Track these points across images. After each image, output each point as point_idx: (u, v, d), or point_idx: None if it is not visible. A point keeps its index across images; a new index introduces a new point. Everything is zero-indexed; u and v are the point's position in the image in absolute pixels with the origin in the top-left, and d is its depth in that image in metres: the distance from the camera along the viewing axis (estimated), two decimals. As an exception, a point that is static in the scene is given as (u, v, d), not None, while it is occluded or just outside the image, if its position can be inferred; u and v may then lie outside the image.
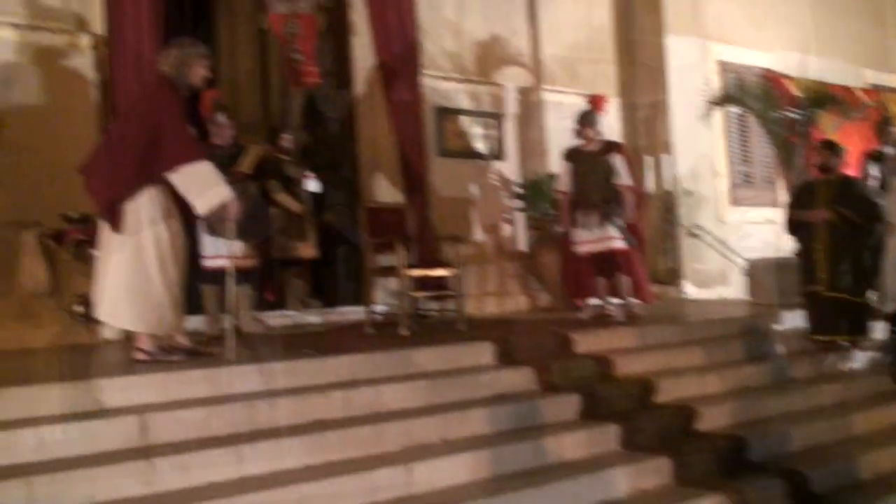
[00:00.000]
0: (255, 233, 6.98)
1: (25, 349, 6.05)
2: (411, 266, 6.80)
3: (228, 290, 5.37)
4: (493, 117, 9.08)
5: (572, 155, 7.61)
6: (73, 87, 6.62)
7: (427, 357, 5.31)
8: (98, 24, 6.83)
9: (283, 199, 7.42)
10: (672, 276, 9.93)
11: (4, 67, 6.35)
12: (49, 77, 6.51)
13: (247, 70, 9.84)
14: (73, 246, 5.98)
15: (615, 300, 7.42)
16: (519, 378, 5.33)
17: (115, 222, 4.84)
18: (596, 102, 7.91)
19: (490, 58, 9.21)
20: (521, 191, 8.99)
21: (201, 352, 5.21)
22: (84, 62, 6.70)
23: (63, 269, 6.17)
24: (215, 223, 6.30)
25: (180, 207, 5.06)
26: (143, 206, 4.88)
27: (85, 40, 6.74)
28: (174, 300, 4.99)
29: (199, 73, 5.17)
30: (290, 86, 7.95)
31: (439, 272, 7.09)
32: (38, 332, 6.17)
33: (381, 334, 6.46)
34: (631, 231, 7.44)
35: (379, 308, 7.46)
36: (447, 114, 8.70)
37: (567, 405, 5.16)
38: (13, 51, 6.41)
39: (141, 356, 4.96)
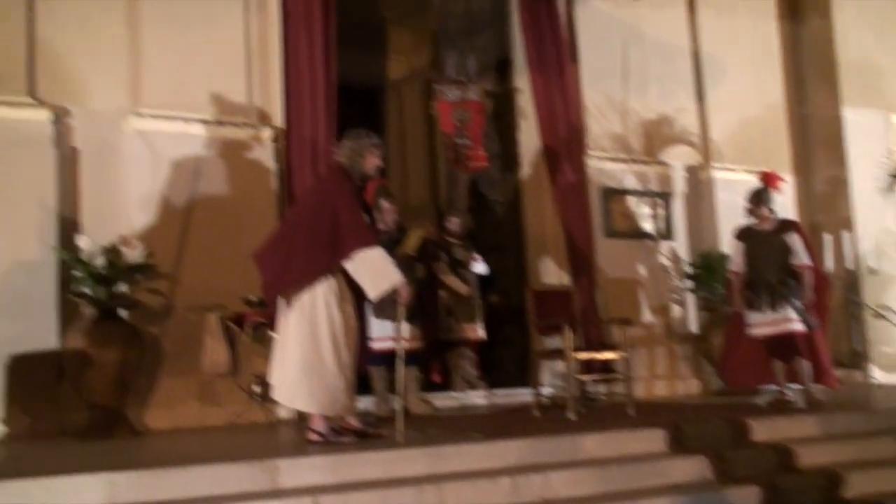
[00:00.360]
0: (420, 314, 7.16)
1: (205, 427, 6.37)
2: (578, 349, 6.73)
3: (397, 371, 5.46)
4: (661, 196, 8.97)
5: (745, 234, 7.40)
6: (254, 177, 7.00)
7: (596, 443, 5.20)
8: (278, 117, 7.24)
9: (451, 280, 7.57)
10: (857, 360, 9.42)
11: (194, 160, 6.80)
12: (233, 168, 6.92)
13: (415, 154, 10.14)
14: (252, 328, 6.25)
15: (795, 385, 7.07)
16: (693, 467, 5.12)
17: (270, 293, 5.09)
18: (769, 180, 7.63)
19: (657, 137, 9.15)
20: (691, 271, 8.78)
21: (371, 434, 5.29)
22: (265, 153, 7.08)
23: (242, 350, 6.45)
24: (384, 306, 6.49)
25: (352, 290, 5.23)
26: (319, 290, 5.06)
27: (266, 133, 7.13)
28: (347, 382, 5.11)
29: (372, 162, 5.36)
30: (456, 171, 8.10)
31: (607, 355, 6.99)
32: (218, 410, 6.47)
33: (548, 417, 6.38)
34: (811, 312, 7.14)
35: (545, 390, 7.42)
36: (613, 194, 8.67)
37: (746, 498, 4.91)
38: (202, 145, 6.86)
39: (314, 437, 5.09)
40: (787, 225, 7.34)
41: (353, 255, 5.00)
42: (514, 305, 8.51)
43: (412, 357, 6.94)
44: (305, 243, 5.03)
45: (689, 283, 8.79)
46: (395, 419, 5.16)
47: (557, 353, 6.71)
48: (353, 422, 5.32)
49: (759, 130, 9.73)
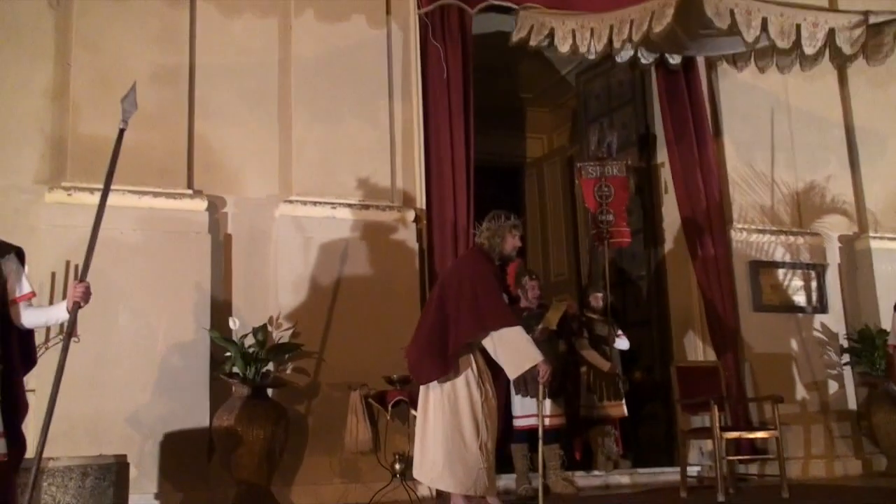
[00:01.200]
0: (562, 390, 7.11)
1: (349, 504, 6.48)
2: (726, 427, 6.51)
3: (539, 449, 5.43)
4: (814, 268, 8.62)
5: (905, 306, 7.05)
6: (397, 257, 7.16)
7: (746, 527, 4.99)
8: (420, 199, 7.45)
9: (592, 356, 7.51)
10: None
11: (341, 243, 7.04)
12: (377, 250, 7.10)
13: (556, 230, 10.17)
14: (393, 406, 6.34)
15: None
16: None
17: (422, 376, 5.13)
18: (932, 248, 7.29)
19: (807, 207, 8.85)
20: (848, 345, 8.36)
21: (512, 514, 5.26)
22: (408, 234, 7.25)
23: (384, 428, 6.53)
24: (526, 383, 6.49)
25: (492, 369, 5.26)
26: (461, 370, 5.13)
27: (409, 215, 7.31)
28: (488, 462, 5.10)
29: (512, 243, 5.44)
30: (599, 247, 8.08)
31: (757, 434, 6.72)
32: (360, 488, 6.55)
33: (696, 498, 6.16)
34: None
35: (693, 470, 7.19)
36: (762, 267, 8.38)
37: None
38: (348, 228, 7.09)
39: (456, 517, 5.12)
40: (951, 296, 6.96)
41: (493, 335, 5.05)
42: (658, 382, 8.35)
43: (554, 434, 6.91)
44: (447, 325, 5.10)
45: (846, 358, 8.36)
46: (537, 498, 5.10)
47: (704, 432, 6.50)
48: (495, 501, 5.30)
49: (920, 198, 9.27)
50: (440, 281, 5.53)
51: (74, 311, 3.83)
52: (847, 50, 6.32)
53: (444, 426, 5.05)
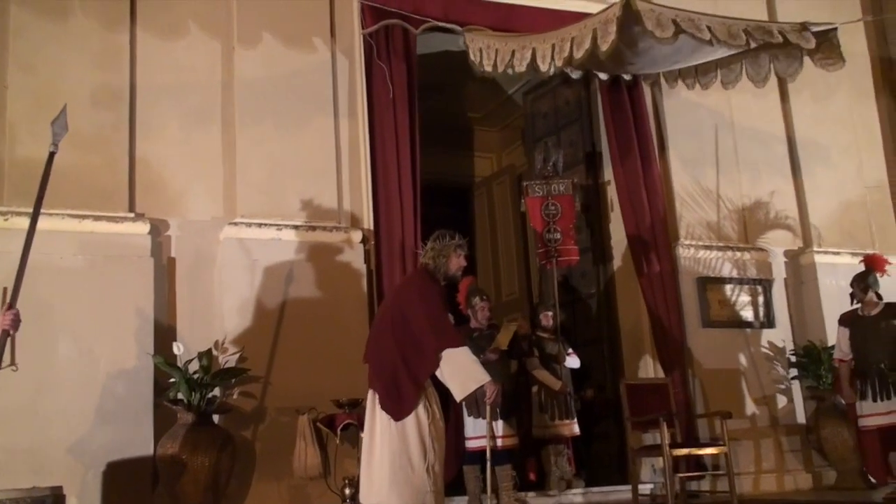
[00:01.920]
0: (514, 410, 7.09)
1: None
2: (676, 444, 6.53)
3: (486, 471, 5.41)
4: (760, 283, 8.71)
5: (851, 320, 7.17)
6: (345, 279, 7.09)
7: (695, 544, 4.99)
8: (367, 219, 7.39)
9: (543, 375, 7.51)
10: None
11: (288, 265, 6.96)
12: (324, 271, 7.02)
13: (506, 250, 10.19)
14: (342, 430, 6.27)
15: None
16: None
17: (397, 413, 5.03)
18: (874, 262, 7.35)
19: (753, 223, 8.95)
20: (795, 359, 8.46)
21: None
22: (355, 256, 7.19)
23: (334, 453, 6.45)
24: (478, 404, 6.46)
25: (439, 391, 5.23)
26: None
27: (356, 236, 7.26)
28: (437, 485, 5.04)
29: (457, 263, 5.43)
30: (545, 266, 8.09)
31: (706, 450, 6.76)
32: (313, 513, 6.47)
33: (647, 517, 6.17)
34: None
35: (645, 487, 7.21)
36: (710, 283, 8.45)
37: None
38: (294, 250, 7.01)
39: (402, 541, 5.04)
40: (895, 309, 7.06)
41: (438, 356, 5.02)
42: (610, 399, 8.36)
43: (506, 455, 6.90)
44: (407, 353, 5.05)
45: (794, 372, 8.45)
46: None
47: (655, 450, 6.52)
48: (443, 524, 5.26)
49: (862, 212, 9.41)
50: (387, 302, 5.49)
51: (3, 338, 3.72)
52: (805, 45, 6.45)
53: (390, 449, 4.99)
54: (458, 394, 5.06)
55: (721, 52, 6.98)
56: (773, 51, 7.13)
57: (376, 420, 5.10)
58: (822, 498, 7.41)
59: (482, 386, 5.05)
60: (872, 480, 7.10)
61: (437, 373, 5.07)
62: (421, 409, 5.06)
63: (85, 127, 6.60)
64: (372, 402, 5.14)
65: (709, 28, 5.94)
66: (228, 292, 6.75)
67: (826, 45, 6.88)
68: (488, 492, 5.67)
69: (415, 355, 5.05)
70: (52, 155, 4.20)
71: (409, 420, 5.02)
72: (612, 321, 8.68)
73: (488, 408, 5.25)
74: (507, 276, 10.29)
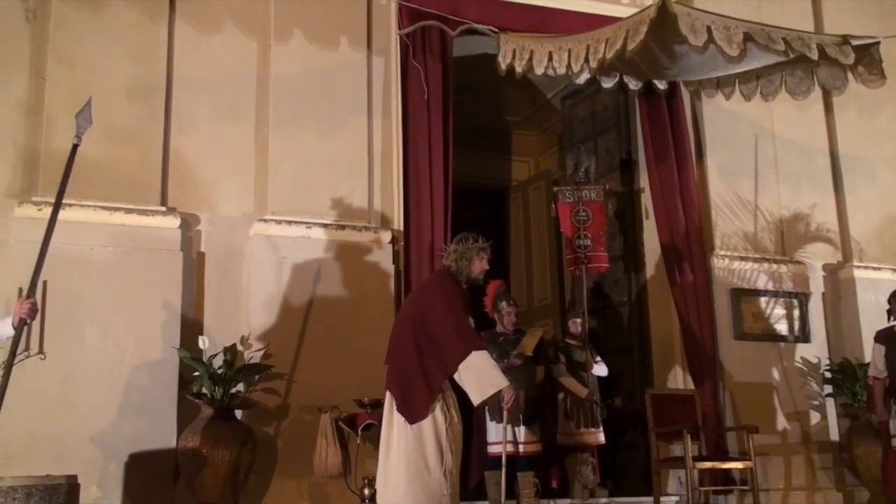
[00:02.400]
0: (539, 417, 7.04)
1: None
2: (700, 457, 6.43)
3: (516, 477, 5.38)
4: (797, 297, 8.55)
5: (886, 336, 7.01)
6: (373, 279, 7.08)
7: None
8: (398, 220, 7.38)
9: (569, 382, 7.43)
10: None
11: (316, 263, 6.97)
12: (352, 271, 7.02)
13: (540, 255, 10.12)
14: (363, 430, 6.25)
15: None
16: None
17: (410, 416, 5.02)
18: (911, 279, 7.25)
19: (791, 235, 8.79)
20: (830, 375, 8.29)
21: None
22: (384, 256, 7.17)
23: (354, 452, 6.44)
24: (499, 409, 6.41)
25: (459, 395, 5.19)
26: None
27: (386, 236, 7.24)
28: (453, 488, 5.02)
29: (479, 266, 5.41)
30: (574, 272, 8.02)
31: (731, 464, 6.65)
32: (331, 512, 6.47)
33: (669, 530, 6.08)
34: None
35: (671, 500, 7.12)
36: (744, 295, 8.31)
37: None
38: (323, 248, 7.02)
39: (416, 544, 5.02)
40: (933, 328, 6.92)
41: (457, 360, 4.98)
42: (639, 409, 8.24)
43: (529, 461, 6.85)
44: (425, 355, 5.04)
45: (828, 389, 8.29)
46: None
47: (678, 461, 6.42)
48: (458, 529, 5.22)
49: (904, 226, 9.24)
50: (408, 303, 5.47)
51: (20, 327, 3.76)
52: (843, 60, 6.26)
53: (406, 451, 4.97)
54: (476, 398, 5.01)
55: (759, 63, 6.83)
56: (815, 63, 6.96)
57: (394, 422, 5.09)
58: (851, 518, 7.26)
59: (500, 391, 5.00)
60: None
61: (456, 376, 5.04)
62: (438, 412, 5.04)
63: (120, 119, 6.68)
64: (389, 403, 5.13)
65: (746, 34, 5.80)
66: (256, 288, 6.76)
67: (868, 60, 6.69)
68: (502, 498, 5.61)
69: (432, 359, 5.02)
70: (75, 147, 4.25)
71: (426, 423, 5.00)
72: (643, 330, 8.57)
73: (506, 413, 5.19)
74: (540, 282, 10.22)
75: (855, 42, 6.30)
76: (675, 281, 7.99)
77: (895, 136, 9.45)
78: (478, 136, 10.75)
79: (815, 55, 6.05)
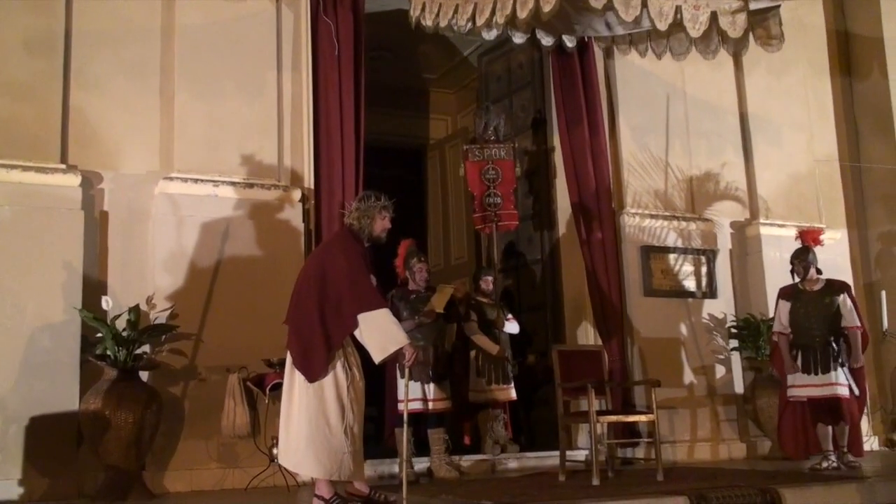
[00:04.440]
0: (450, 374, 7.08)
1: (225, 490, 6.33)
2: (605, 412, 6.55)
3: (405, 433, 5.42)
4: (704, 254, 8.71)
5: (791, 293, 7.20)
6: (282, 238, 7.00)
7: (613, 510, 5.00)
8: (308, 178, 7.29)
9: (481, 340, 7.48)
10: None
11: (223, 222, 6.84)
12: (261, 230, 6.92)
13: (457, 214, 10.11)
14: (272, 390, 6.20)
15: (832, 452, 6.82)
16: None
17: (309, 374, 5.00)
18: (808, 237, 7.42)
19: (701, 193, 8.94)
20: (735, 330, 8.49)
21: (379, 499, 5.19)
22: (294, 214, 7.09)
23: (263, 412, 6.41)
24: (410, 367, 6.40)
25: (363, 353, 5.18)
26: (324, 354, 5.04)
27: (296, 194, 7.15)
28: (354, 446, 5.02)
29: (380, 224, 5.37)
30: (482, 230, 8.05)
31: (633, 417, 6.80)
32: (238, 473, 6.42)
33: (573, 483, 6.18)
34: (859, 375, 6.94)
35: (579, 454, 7.26)
36: (653, 252, 8.44)
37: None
38: (231, 207, 6.89)
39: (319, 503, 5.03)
40: (836, 285, 7.13)
41: (357, 317, 4.96)
42: (551, 366, 8.34)
43: (440, 418, 6.90)
44: (326, 313, 5.01)
45: (733, 343, 8.49)
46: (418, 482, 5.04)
47: (584, 416, 6.52)
48: (362, 487, 5.24)
49: (811, 186, 9.41)
50: (310, 262, 5.41)
51: None
52: (732, 34, 6.29)
53: (308, 409, 4.96)
54: (377, 355, 5.01)
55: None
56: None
57: (295, 381, 5.06)
58: (752, 467, 7.47)
59: (402, 348, 5.00)
60: (794, 454, 7.15)
61: (357, 334, 5.02)
62: (339, 370, 5.03)
63: (17, 74, 6.44)
64: (290, 362, 5.09)
65: (642, 1, 5.80)
66: (161, 248, 6.63)
67: (771, 23, 6.75)
68: (405, 454, 5.65)
69: (333, 317, 5.00)
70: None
71: (327, 381, 4.99)
72: (556, 288, 8.64)
73: (407, 370, 5.20)
74: (457, 241, 10.20)
75: (754, 6, 6.34)
76: (584, 239, 8.06)
77: (802, 96, 9.64)
78: (395, 93, 10.67)
79: (697, 32, 6.06)
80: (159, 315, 6.39)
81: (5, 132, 6.31)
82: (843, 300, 7.02)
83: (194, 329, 6.54)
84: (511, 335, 7.78)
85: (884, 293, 9.21)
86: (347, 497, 5.14)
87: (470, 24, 6.51)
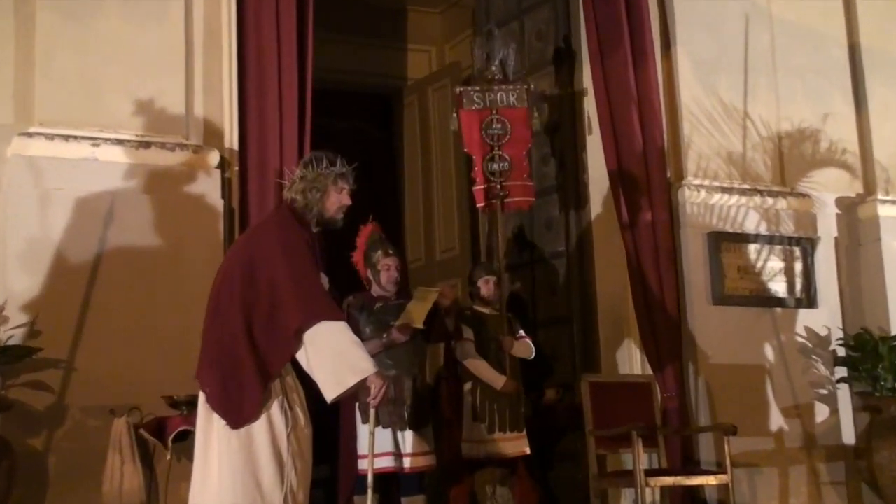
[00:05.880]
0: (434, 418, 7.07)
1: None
2: (657, 471, 6.55)
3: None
4: (799, 244, 8.75)
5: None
6: (193, 220, 7.00)
7: None
8: (229, 135, 7.31)
9: (479, 367, 7.44)
10: None
11: (106, 197, 6.81)
12: (162, 208, 6.92)
13: (444, 187, 10.12)
14: (175, 440, 6.20)
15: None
16: None
17: (233, 417, 4.94)
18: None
19: (792, 157, 9.04)
20: (844, 353, 8.52)
21: None
22: (210, 186, 7.09)
23: (164, 473, 6.36)
24: (376, 407, 6.36)
25: (307, 386, 5.14)
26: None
27: (213, 157, 7.17)
28: (297, 518, 5.01)
29: (335, 200, 5.29)
30: (484, 210, 8.02)
31: (699, 479, 6.79)
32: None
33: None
34: None
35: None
36: (726, 241, 8.47)
37: None
38: (119, 175, 6.87)
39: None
40: None
41: (299, 337, 4.92)
42: (579, 405, 8.34)
43: (419, 481, 6.88)
44: (254, 333, 4.94)
45: (841, 372, 8.53)
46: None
47: (625, 477, 6.52)
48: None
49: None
50: (235, 253, 5.35)
51: None
52: None
53: (231, 467, 4.88)
54: (329, 391, 4.94)
55: None
56: None
57: (212, 427, 5.00)
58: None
59: (365, 380, 4.95)
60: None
61: (302, 360, 4.98)
62: (276, 411, 4.96)
63: None
64: (205, 400, 5.04)
65: None
66: (16, 236, 6.59)
67: None
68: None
69: (266, 334, 4.94)
70: None
71: (258, 427, 4.92)
72: (587, 293, 8.65)
73: (373, 412, 5.18)
74: (446, 225, 10.24)
75: None
76: (627, 222, 8.07)
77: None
78: (357, 15, 10.67)
79: None
80: (13, 333, 6.35)
81: None
82: None
83: (64, 354, 6.50)
84: (523, 361, 7.74)
85: None
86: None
87: None
